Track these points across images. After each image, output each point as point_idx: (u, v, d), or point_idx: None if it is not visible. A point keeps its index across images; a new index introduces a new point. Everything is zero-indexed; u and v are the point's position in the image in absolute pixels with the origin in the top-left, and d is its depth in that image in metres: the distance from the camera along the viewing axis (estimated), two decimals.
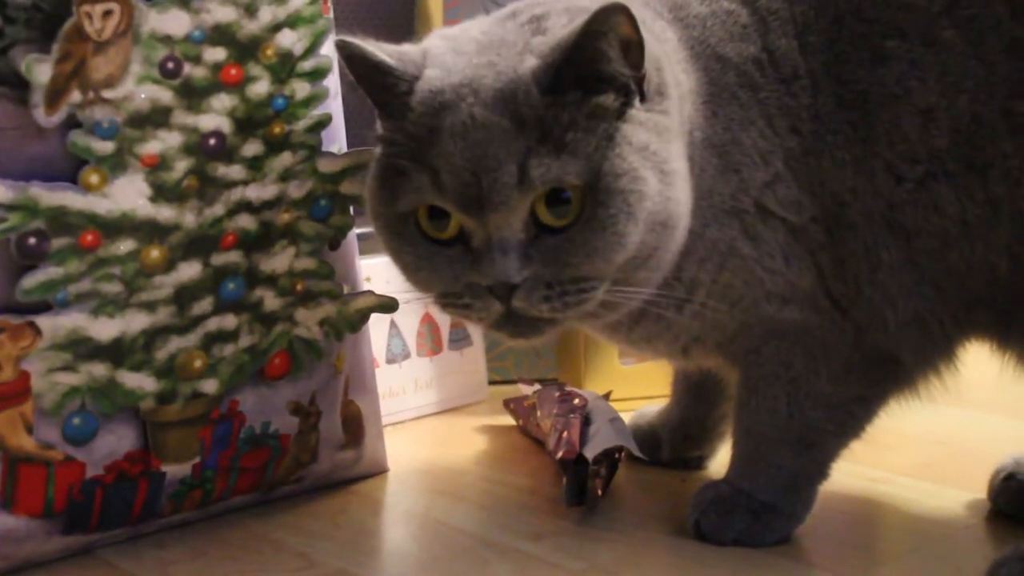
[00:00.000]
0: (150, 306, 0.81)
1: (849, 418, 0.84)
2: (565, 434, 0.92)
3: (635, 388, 1.18)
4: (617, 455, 0.93)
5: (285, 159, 0.86)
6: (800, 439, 0.84)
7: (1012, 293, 0.78)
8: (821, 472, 0.85)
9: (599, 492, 0.91)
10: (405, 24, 1.48)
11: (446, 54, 0.76)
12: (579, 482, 0.89)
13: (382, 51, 0.76)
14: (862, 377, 0.83)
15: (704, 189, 0.79)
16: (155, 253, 0.81)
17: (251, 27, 0.83)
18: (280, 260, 0.87)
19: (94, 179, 0.77)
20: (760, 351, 0.83)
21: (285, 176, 0.86)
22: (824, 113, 0.78)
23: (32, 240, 0.76)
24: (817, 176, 0.79)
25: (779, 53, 0.79)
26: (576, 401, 0.99)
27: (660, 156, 0.74)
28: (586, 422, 0.95)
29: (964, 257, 0.78)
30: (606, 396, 1.07)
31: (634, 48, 0.73)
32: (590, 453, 0.89)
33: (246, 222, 0.85)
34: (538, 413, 1.05)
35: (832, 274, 0.80)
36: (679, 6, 0.83)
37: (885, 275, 0.79)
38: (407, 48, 0.78)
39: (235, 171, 0.84)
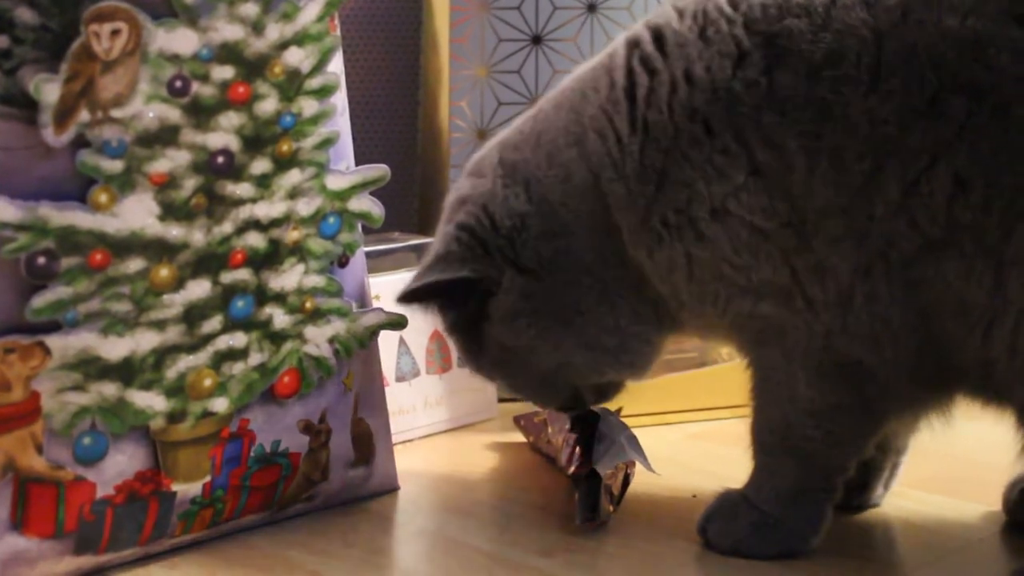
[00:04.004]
0: (159, 325, 0.81)
1: (835, 427, 0.82)
2: (577, 450, 0.92)
3: (646, 404, 1.17)
4: (629, 471, 0.93)
5: (293, 177, 0.86)
6: (793, 448, 0.83)
7: None
8: (826, 488, 0.84)
9: (611, 508, 0.90)
10: (411, 42, 1.49)
11: None
12: (591, 498, 0.89)
13: None
14: (836, 383, 0.81)
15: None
16: (164, 272, 0.81)
17: (259, 45, 0.83)
18: (289, 278, 0.87)
19: (103, 198, 0.77)
20: (753, 354, 0.85)
21: (293, 194, 0.86)
22: None
23: (41, 260, 0.75)
24: None
25: None
26: (587, 417, 0.98)
27: None
28: (598, 438, 0.94)
29: None
30: (617, 412, 1.06)
31: None
32: (602, 469, 0.89)
33: (255, 240, 0.85)
34: (549, 429, 1.04)
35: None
36: None
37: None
38: None
39: (243, 189, 0.84)
